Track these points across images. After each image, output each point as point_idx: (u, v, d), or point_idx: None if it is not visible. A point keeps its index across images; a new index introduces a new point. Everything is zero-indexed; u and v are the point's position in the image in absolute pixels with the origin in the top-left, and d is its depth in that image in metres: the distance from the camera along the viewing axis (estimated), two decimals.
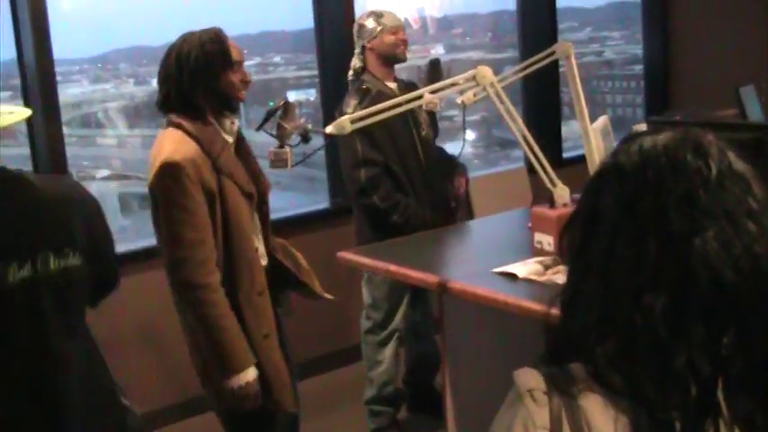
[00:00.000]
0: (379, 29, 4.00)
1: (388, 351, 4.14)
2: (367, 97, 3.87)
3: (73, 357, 2.13)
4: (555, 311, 1.23)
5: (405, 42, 4.05)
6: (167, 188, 2.74)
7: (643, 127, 4.26)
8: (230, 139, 2.92)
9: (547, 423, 1.12)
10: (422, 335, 4.29)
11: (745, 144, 2.43)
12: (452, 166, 4.22)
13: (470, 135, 5.92)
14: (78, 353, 2.16)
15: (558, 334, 1.21)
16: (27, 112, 2.32)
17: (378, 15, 4.04)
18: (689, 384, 1.08)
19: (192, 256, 2.74)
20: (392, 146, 3.95)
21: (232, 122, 2.94)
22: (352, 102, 3.93)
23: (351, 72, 4.12)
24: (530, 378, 1.16)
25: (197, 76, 2.81)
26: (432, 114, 4.16)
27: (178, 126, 2.83)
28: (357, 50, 4.10)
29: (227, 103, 2.89)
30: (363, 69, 4.07)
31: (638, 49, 6.97)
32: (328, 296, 3.22)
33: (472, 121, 6.01)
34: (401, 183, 3.97)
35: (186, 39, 2.86)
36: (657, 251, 1.10)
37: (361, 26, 4.07)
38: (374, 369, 4.17)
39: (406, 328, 4.23)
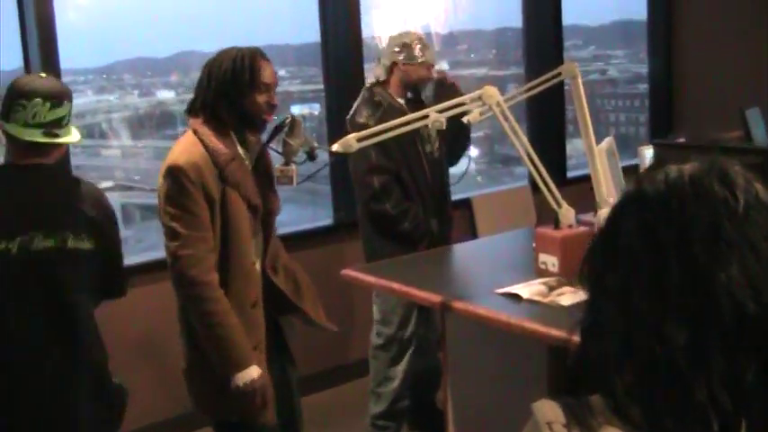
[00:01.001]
0: (420, 59, 4.04)
1: (401, 367, 4.12)
2: (380, 110, 3.92)
3: (81, 315, 2.83)
4: (575, 338, 1.22)
5: (429, 78, 4.11)
6: (170, 189, 2.80)
7: (649, 150, 4.26)
8: (246, 155, 2.94)
9: None
10: (426, 351, 4.28)
11: (751, 168, 2.41)
12: None
13: (474, 152, 5.91)
14: (86, 316, 2.85)
15: (576, 363, 1.20)
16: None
17: (424, 46, 4.08)
18: (710, 419, 1.05)
19: (192, 254, 2.78)
20: (402, 157, 3.99)
21: (257, 141, 2.98)
22: (364, 112, 3.97)
23: (371, 80, 4.17)
24: (549, 410, 1.13)
25: (222, 90, 2.87)
26: (442, 132, 4.19)
27: (194, 132, 2.88)
28: (386, 62, 4.10)
29: (249, 122, 2.92)
30: (381, 82, 4.08)
31: (643, 68, 6.98)
32: (330, 326, 3.22)
33: (475, 137, 6.01)
34: (410, 192, 4.01)
35: (224, 52, 2.93)
36: (680, 282, 1.08)
37: (405, 45, 4.07)
38: (384, 385, 4.15)
39: (416, 344, 4.21)
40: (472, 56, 6.83)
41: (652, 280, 1.11)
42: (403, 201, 3.97)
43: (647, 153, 4.19)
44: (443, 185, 4.23)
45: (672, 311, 1.09)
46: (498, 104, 3.18)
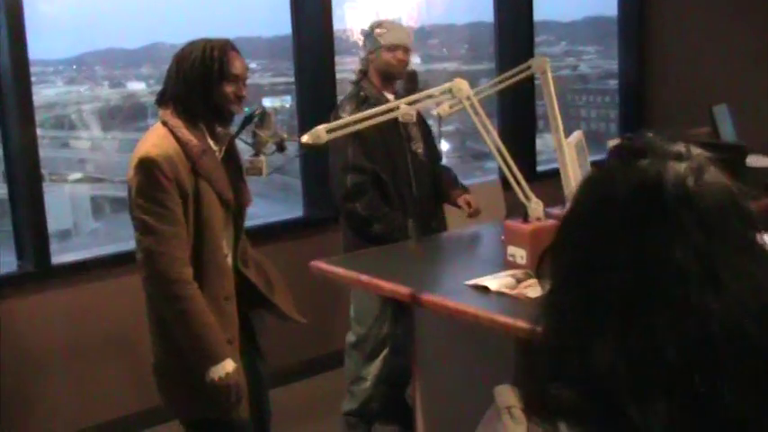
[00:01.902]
0: (378, 44, 3.99)
1: (375, 367, 4.08)
2: (364, 105, 3.81)
3: None
4: (527, 327, 1.22)
5: (402, 62, 4.02)
6: (142, 183, 2.76)
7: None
8: (217, 147, 2.93)
9: None
10: (399, 349, 4.27)
11: (718, 163, 2.43)
12: (450, 186, 4.24)
13: (445, 146, 5.93)
14: None
15: (537, 351, 1.20)
16: None
17: (381, 30, 4.01)
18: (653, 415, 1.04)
19: (165, 250, 2.75)
20: (385, 156, 3.94)
21: (225, 133, 2.97)
22: (348, 107, 3.92)
23: (354, 75, 4.14)
24: (509, 395, 1.14)
25: (191, 81, 2.86)
26: (427, 132, 4.19)
27: (164, 123, 2.86)
28: (362, 55, 4.10)
29: (218, 113, 2.91)
30: (365, 75, 4.06)
31: (614, 65, 7.01)
32: (300, 319, 3.21)
33: (446, 132, 6.03)
34: (389, 193, 3.96)
35: (193, 43, 2.92)
36: (635, 290, 1.07)
37: (367, 35, 4.07)
38: (357, 384, 4.12)
39: (389, 343, 4.17)
40: (444, 50, 6.85)
41: (609, 284, 1.09)
42: (376, 203, 3.90)
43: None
44: (432, 186, 4.17)
45: (599, 333, 1.08)
46: (468, 98, 3.19)
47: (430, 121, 4.25)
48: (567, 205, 1.23)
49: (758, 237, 1.09)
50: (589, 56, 7.58)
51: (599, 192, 1.15)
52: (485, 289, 2.94)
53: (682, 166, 1.09)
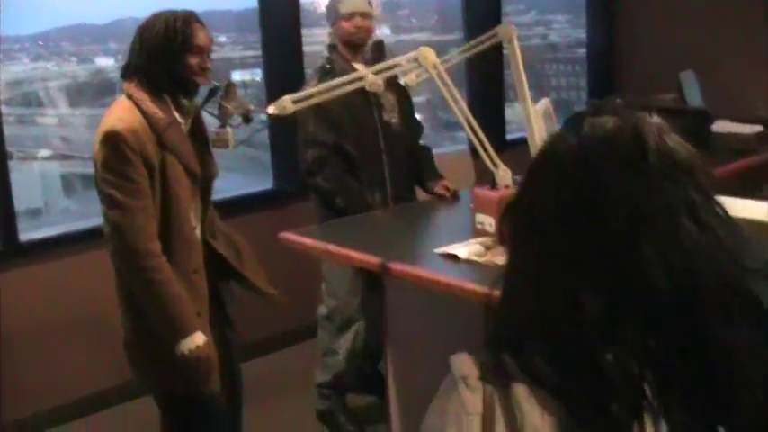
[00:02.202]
0: (338, 15, 3.98)
1: (345, 341, 4.08)
2: (328, 76, 3.73)
3: None
4: (497, 294, 1.23)
5: (361, 29, 3.98)
6: (108, 156, 2.74)
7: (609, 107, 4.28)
8: (182, 120, 2.91)
9: (479, 409, 1.11)
10: (373, 321, 4.27)
11: (683, 129, 2.45)
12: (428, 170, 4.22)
13: (417, 116, 5.93)
14: None
15: (494, 321, 1.21)
16: None
17: (339, 1, 3.99)
18: (617, 385, 1.06)
19: (132, 223, 2.73)
20: (351, 126, 3.91)
21: (191, 105, 2.95)
22: (312, 81, 3.89)
23: (325, 49, 4.11)
24: (464, 364, 1.15)
25: (155, 53, 2.83)
26: (404, 101, 4.15)
27: (129, 96, 2.84)
28: (329, 29, 4.09)
29: (182, 85, 2.89)
30: (334, 48, 4.04)
31: (583, 33, 7.02)
32: (271, 290, 3.21)
33: (418, 102, 6.02)
34: (355, 165, 3.93)
35: (157, 15, 2.90)
36: (592, 248, 1.09)
37: (329, 8, 4.06)
38: (330, 356, 4.12)
39: (361, 314, 4.15)
40: (414, 21, 6.83)
41: (565, 245, 1.11)
42: (339, 176, 3.87)
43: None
44: (407, 158, 4.14)
45: (583, 278, 1.09)
46: (435, 66, 3.19)
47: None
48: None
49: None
50: (559, 25, 7.58)
51: (566, 143, 1.16)
52: (454, 257, 2.94)
53: (651, 124, 1.13)
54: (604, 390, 1.07)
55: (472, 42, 3.49)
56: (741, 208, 2.95)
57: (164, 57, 2.83)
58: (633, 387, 1.07)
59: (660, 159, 1.10)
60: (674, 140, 1.13)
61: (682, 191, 1.09)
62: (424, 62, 3.15)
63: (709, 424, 1.08)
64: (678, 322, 1.06)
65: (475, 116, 3.30)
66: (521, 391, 1.10)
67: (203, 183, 3.00)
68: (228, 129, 3.02)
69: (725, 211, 1.12)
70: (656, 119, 1.15)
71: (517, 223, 1.19)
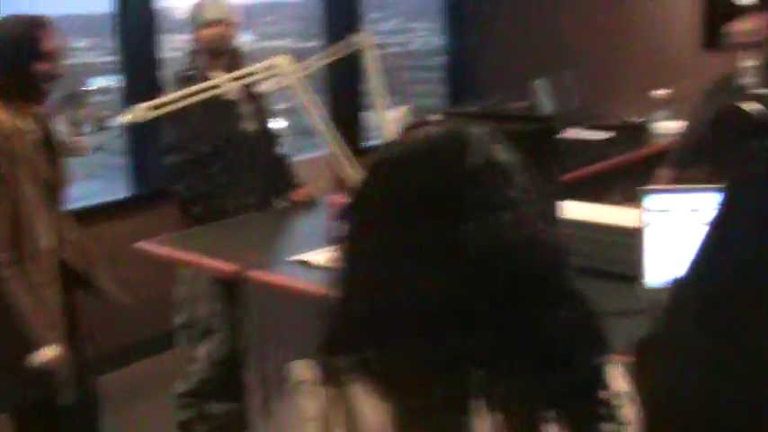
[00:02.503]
0: (197, 22, 3.94)
1: (205, 350, 4.01)
2: (189, 83, 3.66)
3: None
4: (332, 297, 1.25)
5: (222, 36, 3.95)
6: None
7: (438, 119, 4.37)
8: (31, 127, 2.84)
9: (317, 414, 1.13)
10: (235, 331, 4.21)
11: (530, 135, 2.52)
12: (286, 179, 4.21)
13: (282, 123, 5.92)
14: None
15: (328, 323, 1.23)
16: None
17: (199, 8, 3.96)
18: (445, 374, 1.10)
19: None
20: (210, 134, 3.87)
21: (41, 113, 2.88)
22: (172, 87, 3.82)
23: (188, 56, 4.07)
24: (302, 370, 1.17)
25: (2, 59, 2.78)
26: (262, 109, 4.14)
27: None
28: (188, 36, 4.05)
29: (31, 92, 2.82)
30: (195, 54, 4.00)
31: (446, 41, 7.11)
32: (124, 298, 3.17)
33: (280, 109, 6.02)
34: (214, 172, 3.89)
35: (4, 20, 2.83)
36: (421, 243, 1.13)
37: (189, 15, 4.02)
38: (190, 365, 4.09)
39: (221, 322, 4.12)
40: (276, 27, 6.82)
41: (397, 241, 1.15)
42: (197, 183, 3.84)
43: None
44: (263, 164, 4.12)
45: (411, 272, 1.13)
46: (292, 74, 3.20)
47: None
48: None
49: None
50: (421, 32, 7.67)
51: (394, 149, 1.23)
52: (310, 264, 2.96)
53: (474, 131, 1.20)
54: (433, 379, 1.10)
55: (329, 51, 3.52)
56: (591, 212, 3.06)
57: (12, 63, 2.77)
58: (460, 375, 1.11)
59: (480, 162, 1.16)
60: (496, 147, 1.20)
61: (500, 190, 1.15)
62: (281, 70, 3.16)
63: (536, 407, 1.13)
64: (500, 310, 1.12)
65: (334, 122, 3.32)
66: (357, 390, 1.12)
67: (55, 191, 2.94)
68: (82, 137, 2.97)
69: (549, 210, 1.20)
70: (481, 127, 1.22)
71: (350, 222, 1.22)
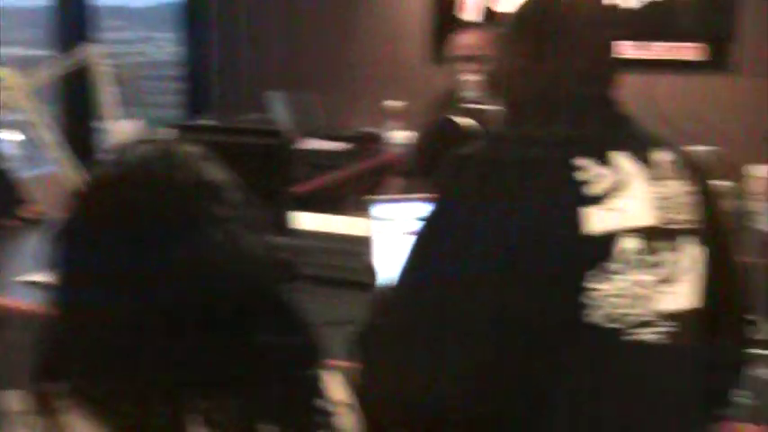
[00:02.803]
0: None
1: None
2: None
3: None
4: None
5: None
6: None
7: (171, 134, 4.33)
8: None
9: None
10: None
11: (261, 148, 2.55)
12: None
13: (20, 136, 5.66)
14: None
15: (37, 351, 1.20)
16: None
17: None
18: (161, 394, 1.11)
19: None
20: None
21: None
22: None
23: None
24: (12, 400, 1.15)
25: None
26: None
27: None
28: None
29: None
30: None
31: (185, 52, 7.04)
32: None
33: (19, 121, 5.76)
34: None
35: None
36: (130, 265, 1.13)
37: None
38: None
39: None
40: (9, 35, 6.51)
41: (109, 266, 1.15)
42: None
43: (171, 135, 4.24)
44: None
45: (132, 295, 1.13)
46: (16, 87, 3.09)
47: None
48: None
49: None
50: (161, 42, 7.55)
51: (108, 169, 1.23)
52: (39, 284, 2.86)
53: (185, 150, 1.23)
54: (148, 402, 1.11)
55: (57, 62, 3.42)
56: (323, 222, 3.15)
57: None
58: (175, 396, 1.12)
59: (189, 180, 1.18)
60: (206, 164, 1.22)
61: (209, 208, 1.17)
62: (5, 84, 3.04)
63: (254, 422, 1.16)
64: (212, 327, 1.14)
65: (67, 135, 3.22)
66: (70, 417, 1.11)
67: None
68: None
69: (278, 223, 1.24)
70: (192, 146, 1.24)
71: (62, 245, 1.21)
